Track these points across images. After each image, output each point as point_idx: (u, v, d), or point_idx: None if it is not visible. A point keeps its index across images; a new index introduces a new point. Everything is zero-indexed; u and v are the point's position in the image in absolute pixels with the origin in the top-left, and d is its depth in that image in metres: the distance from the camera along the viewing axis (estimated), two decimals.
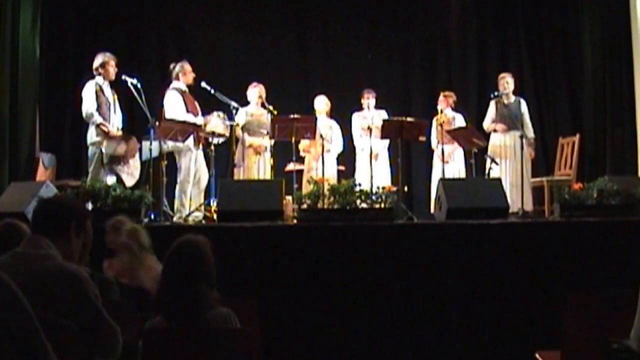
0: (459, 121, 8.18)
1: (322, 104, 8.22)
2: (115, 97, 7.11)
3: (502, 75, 8.13)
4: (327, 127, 8.08)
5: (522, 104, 8.01)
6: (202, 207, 6.97)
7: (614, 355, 2.82)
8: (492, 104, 8.01)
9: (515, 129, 7.57)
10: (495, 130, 8.00)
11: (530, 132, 7.91)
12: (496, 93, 7.70)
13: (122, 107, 7.24)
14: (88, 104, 6.83)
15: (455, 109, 8.34)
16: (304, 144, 8.00)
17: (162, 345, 2.74)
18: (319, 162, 7.47)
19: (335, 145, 8.23)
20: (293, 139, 7.29)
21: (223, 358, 2.71)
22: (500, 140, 7.94)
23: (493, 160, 7.58)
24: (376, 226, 5.50)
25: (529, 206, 7.48)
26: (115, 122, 7.04)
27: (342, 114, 8.51)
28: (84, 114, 6.90)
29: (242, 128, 7.75)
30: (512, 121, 7.75)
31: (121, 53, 7.57)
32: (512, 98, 7.98)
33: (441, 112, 8.10)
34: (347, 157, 8.45)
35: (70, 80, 8.81)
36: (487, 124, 8.11)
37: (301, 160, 8.09)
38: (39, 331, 2.02)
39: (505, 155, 7.84)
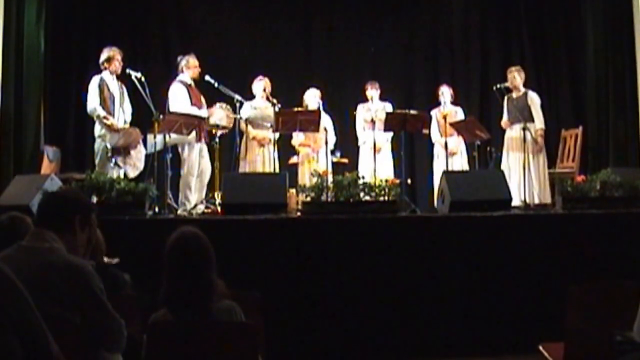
0: (460, 115, 8.17)
1: (311, 96, 8.15)
2: (124, 90, 7.14)
3: (509, 69, 8.07)
4: (327, 120, 8.07)
5: (530, 97, 7.86)
6: (206, 200, 6.98)
7: (617, 347, 2.82)
8: (505, 99, 7.96)
9: (518, 122, 7.55)
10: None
11: (537, 124, 7.73)
12: (498, 85, 7.68)
13: (131, 100, 7.28)
14: (90, 100, 6.94)
15: (456, 103, 8.34)
16: (298, 139, 7.97)
17: (167, 338, 2.73)
18: (319, 155, 7.44)
19: (331, 137, 8.21)
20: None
21: (227, 351, 2.71)
22: (508, 134, 7.93)
23: (492, 152, 7.59)
24: (379, 219, 5.50)
25: (532, 198, 7.44)
26: (122, 116, 7.08)
27: (346, 107, 8.51)
28: (88, 110, 6.99)
29: (246, 121, 7.75)
30: (515, 115, 7.73)
31: (125, 47, 7.58)
32: (521, 91, 7.90)
33: (443, 105, 8.11)
34: (351, 150, 8.44)
35: (74, 74, 8.84)
36: (502, 120, 8.08)
37: (297, 153, 8.07)
38: (40, 321, 2.03)
39: (512, 148, 7.82)
